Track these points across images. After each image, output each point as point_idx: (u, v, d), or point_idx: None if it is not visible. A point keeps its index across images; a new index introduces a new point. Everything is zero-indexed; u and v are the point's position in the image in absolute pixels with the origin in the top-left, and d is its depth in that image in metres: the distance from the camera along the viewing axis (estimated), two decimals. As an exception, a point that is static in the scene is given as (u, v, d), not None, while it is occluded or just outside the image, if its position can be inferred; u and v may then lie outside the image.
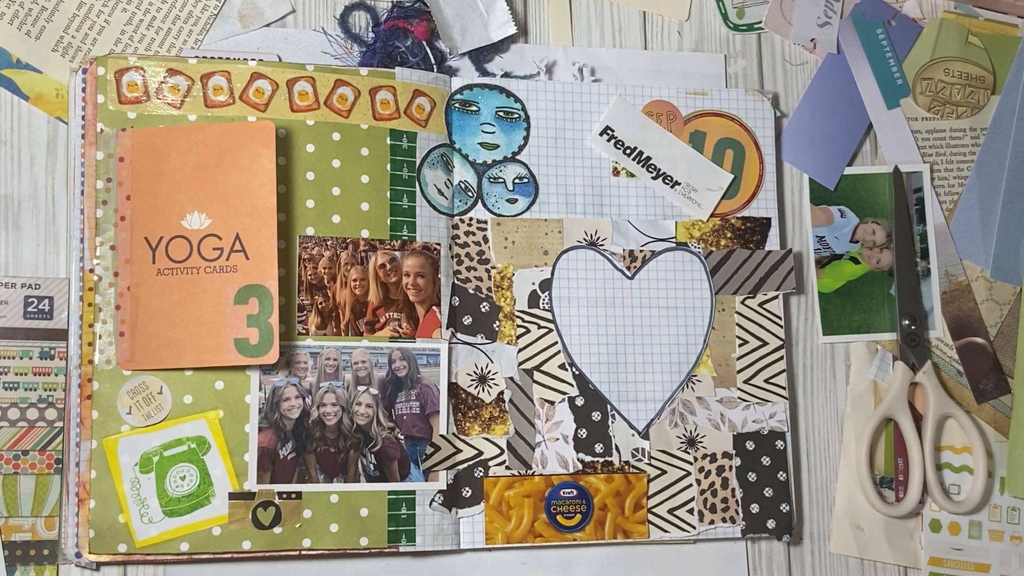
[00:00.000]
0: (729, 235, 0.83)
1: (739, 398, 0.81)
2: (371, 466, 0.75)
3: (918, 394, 0.85)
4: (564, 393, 0.79)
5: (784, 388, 0.82)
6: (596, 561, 0.79)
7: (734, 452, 0.81)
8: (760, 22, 0.88)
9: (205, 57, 0.76)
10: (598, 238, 0.81)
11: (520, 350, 0.79)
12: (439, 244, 0.78)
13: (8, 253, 0.74)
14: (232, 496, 0.72)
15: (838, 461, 0.84)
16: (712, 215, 0.83)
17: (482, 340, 0.78)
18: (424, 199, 0.78)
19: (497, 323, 0.79)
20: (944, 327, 0.87)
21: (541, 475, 0.78)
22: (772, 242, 0.84)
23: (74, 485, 0.70)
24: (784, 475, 0.81)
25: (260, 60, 0.76)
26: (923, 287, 0.87)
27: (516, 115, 0.81)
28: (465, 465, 0.77)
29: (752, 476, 0.81)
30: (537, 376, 0.79)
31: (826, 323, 0.85)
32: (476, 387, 0.78)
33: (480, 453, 0.77)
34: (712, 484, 0.80)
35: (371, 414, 0.75)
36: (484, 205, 0.80)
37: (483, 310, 0.79)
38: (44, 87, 0.76)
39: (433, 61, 0.80)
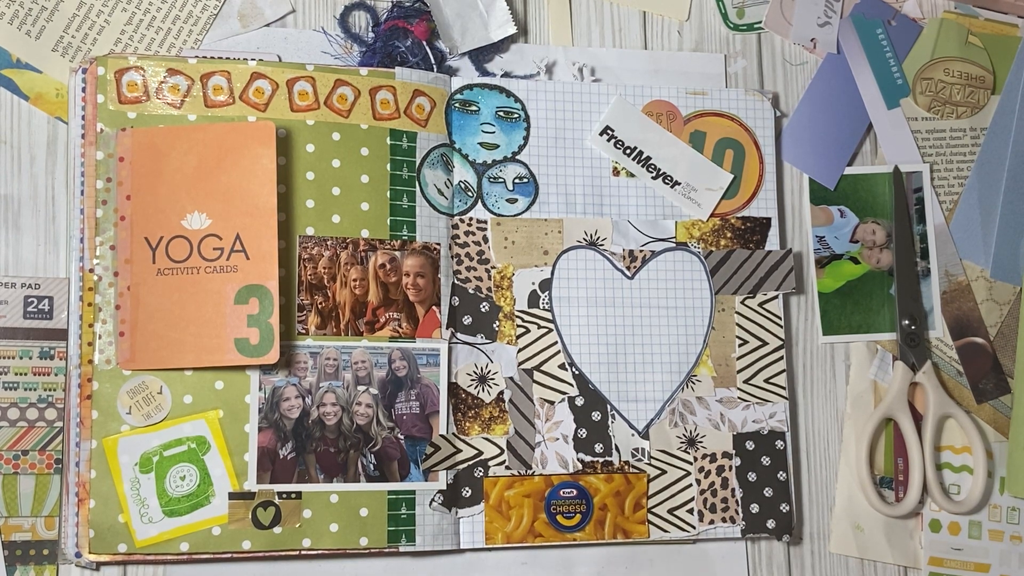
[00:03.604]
0: (729, 235, 0.83)
1: (739, 398, 0.81)
2: (371, 466, 0.75)
3: (918, 394, 0.85)
4: (564, 393, 0.79)
5: (784, 388, 0.82)
6: (596, 561, 0.79)
7: (734, 452, 0.81)
8: (760, 22, 0.88)
9: (205, 57, 0.76)
10: (598, 238, 0.81)
11: (520, 350, 0.79)
12: (439, 244, 0.78)
13: (8, 253, 0.74)
14: (232, 496, 0.72)
15: (838, 461, 0.84)
16: (712, 215, 0.83)
17: (482, 340, 0.78)
18: (424, 199, 0.78)
19: (497, 323, 0.79)
20: (944, 327, 0.87)
21: (541, 475, 0.78)
22: (772, 242, 0.84)
23: (74, 485, 0.70)
24: (784, 475, 0.81)
25: (260, 60, 0.76)
26: (923, 287, 0.87)
27: (516, 115, 0.81)
28: (465, 465, 0.77)
29: (752, 476, 0.81)
30: (537, 376, 0.79)
31: (826, 323, 0.85)
32: (476, 387, 0.78)
33: (480, 453, 0.77)
34: (712, 484, 0.80)
35: (371, 414, 0.75)
36: (484, 205, 0.80)
37: (483, 310, 0.79)
38: (44, 87, 0.76)
39: (433, 61, 0.80)
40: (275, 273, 0.71)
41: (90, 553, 0.70)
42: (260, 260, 0.71)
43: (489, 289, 0.79)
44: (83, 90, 0.73)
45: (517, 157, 0.81)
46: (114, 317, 0.71)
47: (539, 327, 0.79)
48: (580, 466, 0.78)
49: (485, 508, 0.76)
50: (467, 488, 0.76)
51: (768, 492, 0.81)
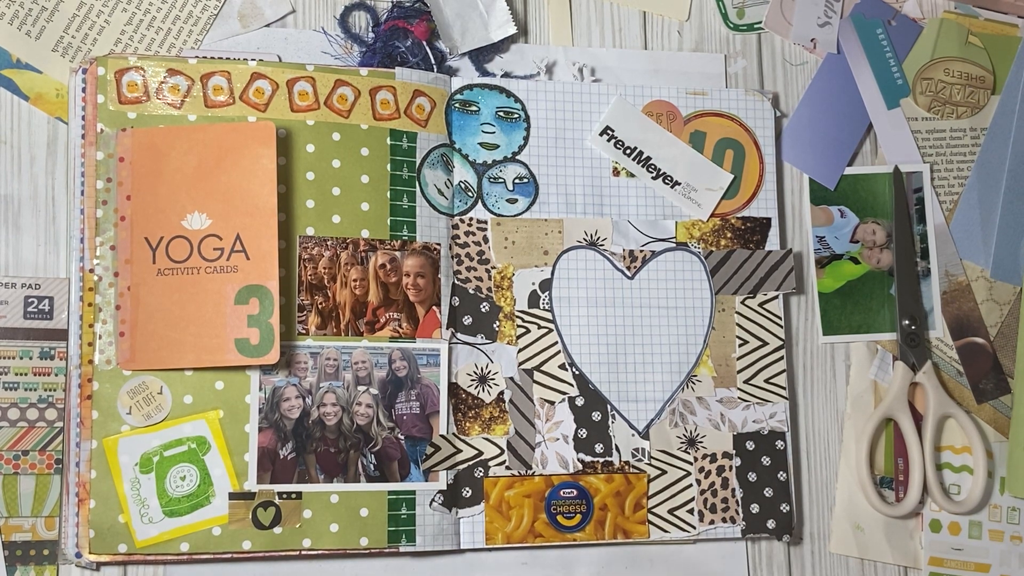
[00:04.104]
0: (729, 235, 0.83)
1: (739, 398, 0.81)
2: (371, 466, 0.75)
3: (918, 394, 0.85)
4: (564, 393, 0.79)
5: (784, 388, 0.82)
6: (596, 561, 0.79)
7: (734, 452, 0.81)
8: (760, 22, 0.88)
9: (205, 57, 0.76)
10: (598, 238, 0.81)
11: (520, 350, 0.79)
12: (439, 244, 0.78)
13: (8, 253, 0.74)
14: (232, 496, 0.72)
15: (838, 461, 0.84)
16: (712, 215, 0.83)
17: (482, 340, 0.78)
18: (424, 199, 0.78)
19: (497, 323, 0.79)
20: (944, 327, 0.87)
21: (541, 475, 0.78)
22: (772, 242, 0.84)
23: (74, 485, 0.70)
24: (784, 475, 0.81)
25: (260, 60, 0.76)
26: (923, 287, 0.87)
27: (516, 115, 0.81)
28: (465, 465, 0.77)
29: (752, 476, 0.81)
30: (537, 376, 0.79)
31: (826, 323, 0.85)
32: (476, 387, 0.78)
33: (480, 453, 0.77)
34: (712, 484, 0.80)
35: (371, 414, 0.75)
36: (484, 205, 0.80)
37: (483, 310, 0.79)
38: (44, 87, 0.76)
39: (433, 61, 0.80)
40: (275, 273, 0.71)
41: (90, 553, 0.70)
42: (260, 260, 0.71)
43: (489, 289, 0.79)
44: (83, 90, 0.73)
45: (517, 157, 0.81)
46: (114, 317, 0.71)
47: (539, 327, 0.79)
48: (580, 466, 0.78)
49: (485, 508, 0.76)
50: (467, 488, 0.76)
51: (768, 492, 0.81)
